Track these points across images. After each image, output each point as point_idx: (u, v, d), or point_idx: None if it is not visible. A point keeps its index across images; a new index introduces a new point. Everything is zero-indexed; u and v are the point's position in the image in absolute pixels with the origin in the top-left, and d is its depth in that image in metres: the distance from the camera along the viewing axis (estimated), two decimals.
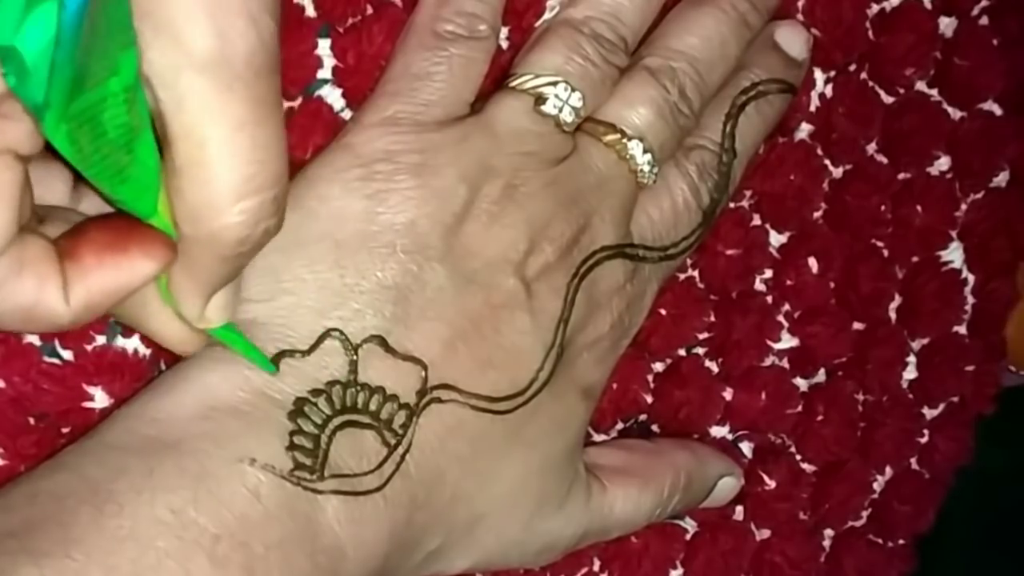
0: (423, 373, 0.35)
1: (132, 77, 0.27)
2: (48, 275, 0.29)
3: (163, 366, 0.37)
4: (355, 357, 0.34)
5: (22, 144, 0.27)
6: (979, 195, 0.49)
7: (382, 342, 0.35)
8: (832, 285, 0.47)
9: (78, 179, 0.33)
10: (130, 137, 0.27)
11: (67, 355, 0.37)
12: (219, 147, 0.28)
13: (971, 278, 0.50)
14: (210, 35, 0.26)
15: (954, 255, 0.49)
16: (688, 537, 0.47)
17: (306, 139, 0.38)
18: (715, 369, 0.46)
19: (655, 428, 0.46)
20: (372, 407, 0.34)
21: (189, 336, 0.33)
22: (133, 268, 0.29)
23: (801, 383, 0.48)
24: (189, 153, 0.28)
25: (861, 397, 0.49)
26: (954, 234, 0.49)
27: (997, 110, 0.48)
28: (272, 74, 0.28)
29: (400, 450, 0.34)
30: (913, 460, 0.51)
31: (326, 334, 0.34)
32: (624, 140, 0.39)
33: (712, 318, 0.46)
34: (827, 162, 0.46)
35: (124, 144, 0.27)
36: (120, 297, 0.30)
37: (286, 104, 0.38)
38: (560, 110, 0.38)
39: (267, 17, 0.28)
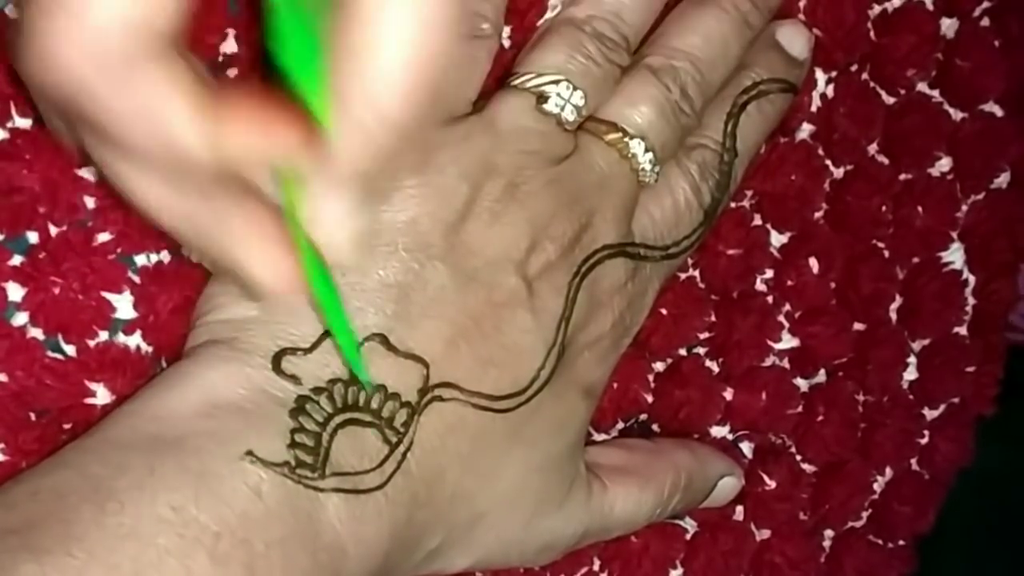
0: (424, 371, 0.35)
1: None
2: (195, 98, 0.26)
3: (164, 363, 0.37)
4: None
5: None
6: (980, 196, 0.49)
7: (384, 340, 0.35)
8: (833, 285, 0.47)
9: None
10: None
11: (70, 351, 0.37)
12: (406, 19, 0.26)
13: (972, 279, 0.50)
14: None
15: (955, 256, 0.49)
16: (688, 537, 0.47)
17: None
18: (715, 369, 0.46)
19: (655, 428, 0.46)
20: (374, 405, 0.34)
21: (285, 271, 0.30)
22: (279, 130, 0.27)
23: (801, 383, 0.48)
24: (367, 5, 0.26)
25: (861, 398, 0.49)
26: (955, 235, 0.49)
27: (998, 111, 0.48)
28: None
29: (401, 448, 0.34)
30: (913, 461, 0.51)
31: (328, 332, 0.34)
32: (626, 139, 0.39)
33: (713, 318, 0.46)
34: (828, 162, 0.46)
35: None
36: (255, 156, 0.27)
37: None
38: (562, 109, 0.38)
39: None
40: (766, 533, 0.48)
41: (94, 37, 0.25)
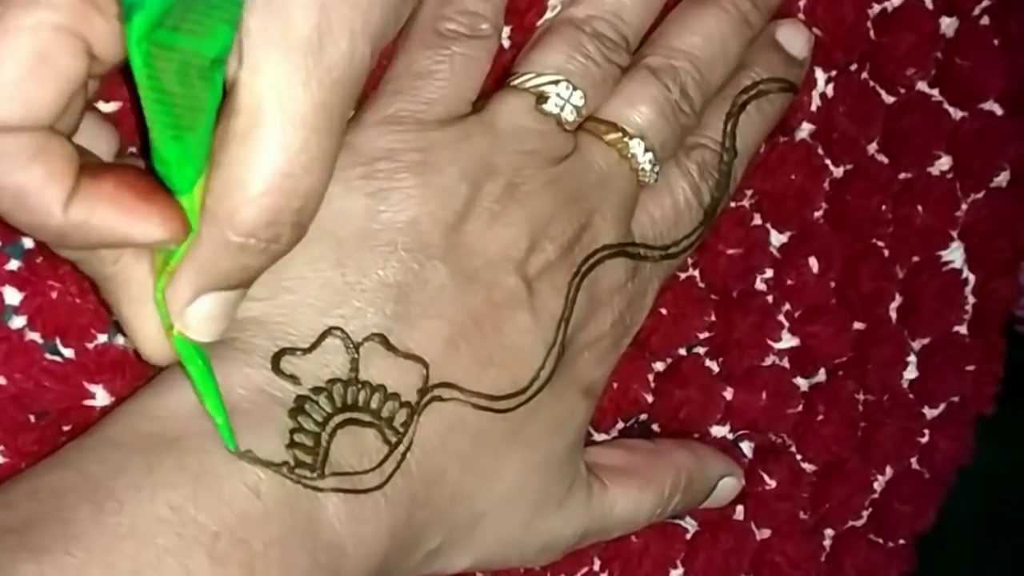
0: (424, 371, 0.35)
1: (223, 51, 0.28)
2: (59, 176, 0.28)
3: None
4: (356, 355, 0.34)
5: (100, 43, 0.27)
6: (980, 195, 0.49)
7: (383, 340, 0.35)
8: (832, 285, 0.47)
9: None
10: (199, 104, 0.28)
11: (68, 353, 0.37)
12: (273, 133, 0.28)
13: (972, 278, 0.50)
14: (313, 25, 0.28)
15: (955, 255, 0.49)
16: (688, 537, 0.47)
17: None
18: (716, 369, 0.46)
19: (656, 428, 0.46)
20: (373, 405, 0.34)
21: (158, 341, 0.32)
22: (143, 222, 0.29)
23: (801, 383, 0.48)
24: (244, 127, 0.28)
25: (861, 397, 0.49)
26: (955, 234, 0.49)
27: (998, 110, 0.48)
28: (347, 94, 0.29)
29: (401, 448, 0.34)
30: (913, 460, 0.51)
31: (327, 332, 0.34)
32: (625, 139, 0.39)
33: (713, 317, 0.46)
34: (828, 162, 0.46)
35: (190, 106, 0.28)
36: (111, 241, 0.29)
37: None
38: (562, 109, 0.38)
39: (365, 42, 0.29)
40: (766, 532, 0.48)
41: None
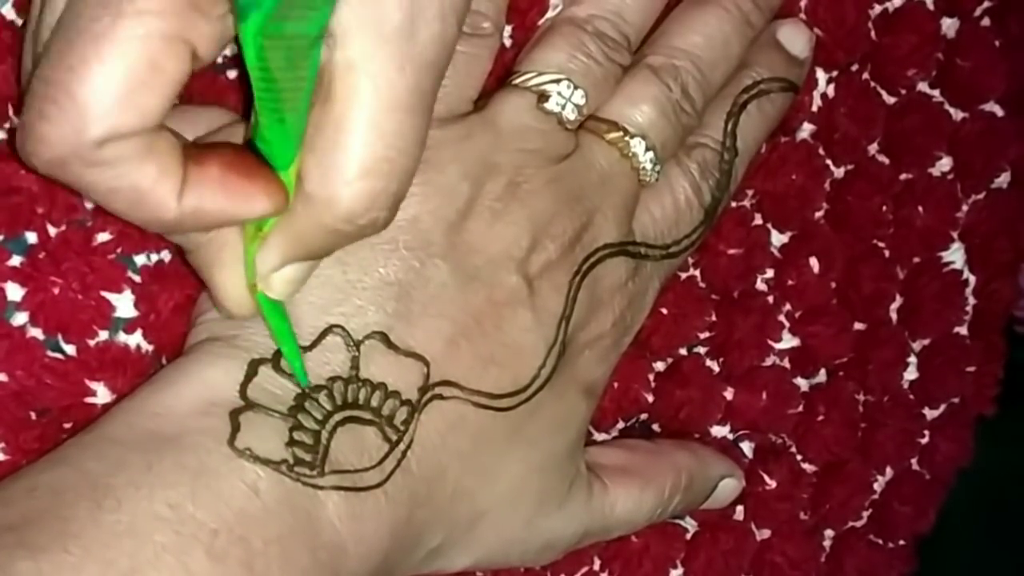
0: (425, 370, 0.35)
1: (323, 28, 0.28)
2: (170, 170, 0.29)
3: (165, 362, 0.37)
4: (357, 353, 0.34)
5: (203, 45, 0.27)
6: (980, 196, 0.49)
7: (384, 338, 0.35)
8: (833, 285, 0.47)
9: None
10: (300, 84, 0.29)
11: (70, 350, 0.37)
12: (370, 118, 0.29)
13: (972, 279, 0.50)
14: (405, 10, 0.28)
15: (955, 256, 0.49)
16: (688, 537, 0.47)
17: None
18: (716, 369, 0.46)
19: (656, 427, 0.46)
20: (374, 403, 0.34)
21: (242, 298, 0.33)
22: (248, 199, 0.30)
23: (802, 383, 0.48)
24: (339, 114, 0.29)
25: (862, 397, 0.49)
26: (955, 235, 0.49)
27: (999, 111, 0.48)
28: (438, 74, 0.30)
29: (401, 446, 0.34)
30: (914, 461, 0.51)
31: (328, 330, 0.34)
32: (626, 138, 0.39)
33: (713, 317, 0.46)
34: (829, 162, 0.46)
35: (293, 87, 0.28)
36: (223, 221, 0.30)
37: None
38: (563, 108, 0.38)
39: (454, 20, 0.29)
40: (766, 533, 0.48)
41: (88, 143, 0.27)
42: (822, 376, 0.48)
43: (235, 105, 0.37)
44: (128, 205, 0.29)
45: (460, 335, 0.36)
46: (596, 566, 0.45)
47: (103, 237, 0.37)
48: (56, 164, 0.27)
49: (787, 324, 0.47)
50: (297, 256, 0.32)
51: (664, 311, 0.44)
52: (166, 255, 0.37)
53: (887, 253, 0.48)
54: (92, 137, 0.27)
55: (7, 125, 0.36)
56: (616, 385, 0.44)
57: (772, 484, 0.48)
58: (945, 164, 0.48)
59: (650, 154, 0.39)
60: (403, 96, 0.29)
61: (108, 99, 0.27)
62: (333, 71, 0.29)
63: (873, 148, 0.47)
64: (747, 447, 0.48)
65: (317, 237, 0.31)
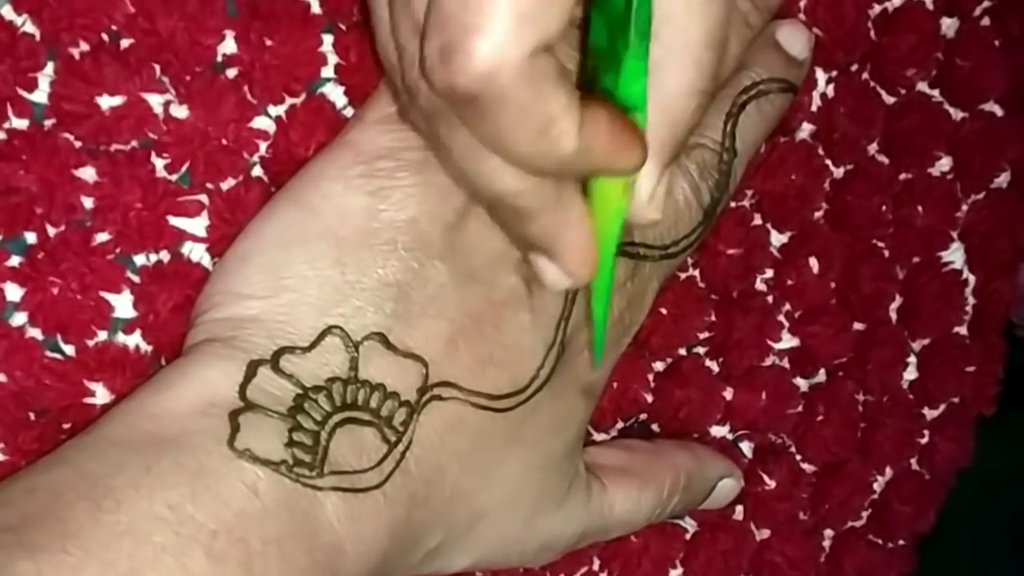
0: (424, 371, 0.35)
1: None
2: (575, 100, 0.29)
3: (164, 363, 0.37)
4: (356, 354, 0.34)
5: None
6: (980, 196, 0.49)
7: (383, 339, 0.35)
8: (833, 285, 0.47)
9: None
10: (646, 25, 0.30)
11: (69, 350, 0.37)
12: (701, 45, 0.32)
13: (972, 279, 0.50)
14: None
15: (955, 256, 0.49)
16: (688, 537, 0.47)
17: (308, 136, 0.38)
18: (715, 369, 0.46)
19: (655, 427, 0.46)
20: (373, 404, 0.34)
21: (590, 259, 0.33)
22: (629, 153, 0.31)
23: (801, 383, 0.48)
24: (682, 45, 0.31)
25: (861, 397, 0.49)
26: (955, 235, 0.49)
27: (998, 111, 0.48)
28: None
29: (400, 447, 0.34)
30: (913, 461, 0.51)
31: (327, 331, 0.34)
32: None
33: (713, 317, 0.46)
34: (828, 162, 0.46)
35: (646, 31, 0.30)
36: (599, 170, 0.31)
37: (289, 101, 0.38)
38: None
39: None
40: (766, 533, 0.48)
41: (519, 54, 0.27)
42: (822, 376, 0.48)
43: (234, 105, 0.37)
44: (534, 133, 0.28)
45: (459, 336, 0.36)
46: (595, 566, 0.46)
47: (102, 237, 0.37)
48: (485, 79, 0.27)
49: (787, 324, 0.47)
50: (668, 155, 0.33)
51: (663, 311, 0.44)
52: (165, 256, 0.37)
53: (887, 253, 0.48)
54: (528, 45, 0.27)
55: (5, 125, 0.36)
56: (615, 385, 0.44)
57: (772, 484, 0.48)
58: (945, 164, 0.48)
59: None
60: (716, 30, 0.32)
61: (537, 2, 0.26)
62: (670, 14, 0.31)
63: (873, 148, 0.47)
64: (746, 447, 0.48)
65: (680, 126, 0.33)
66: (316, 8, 0.38)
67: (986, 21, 0.47)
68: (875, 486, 0.50)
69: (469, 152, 0.30)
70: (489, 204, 0.33)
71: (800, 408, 0.48)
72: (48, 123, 0.36)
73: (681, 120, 0.33)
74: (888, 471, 0.50)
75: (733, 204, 0.45)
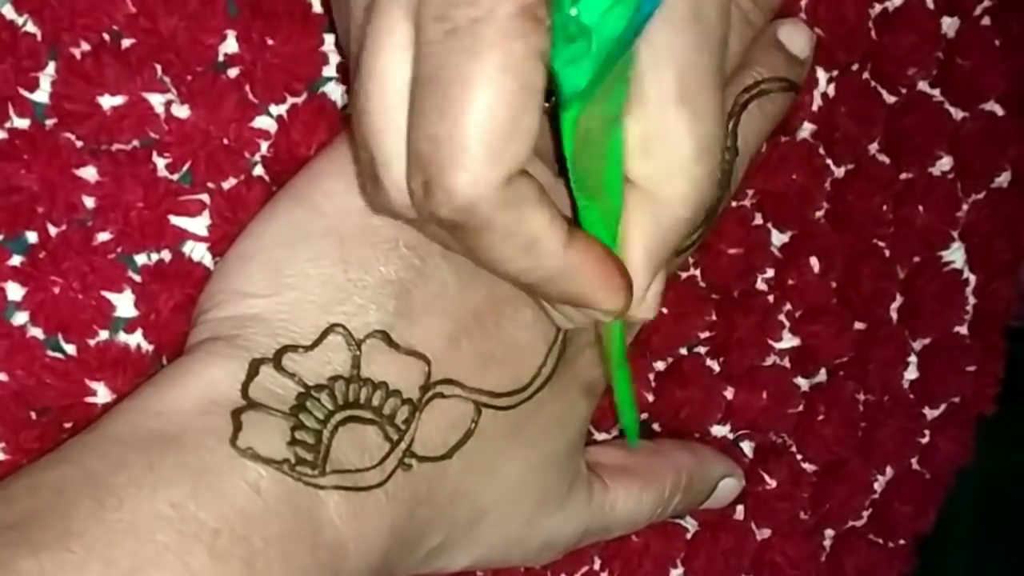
0: (426, 368, 0.35)
1: (621, 108, 0.31)
2: (558, 217, 0.30)
3: (165, 362, 0.37)
4: (358, 352, 0.34)
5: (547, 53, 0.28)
6: (980, 195, 0.49)
7: (385, 337, 0.35)
8: (833, 285, 0.47)
9: None
10: (602, 164, 0.31)
11: (70, 350, 0.37)
12: (692, 161, 0.32)
13: (972, 278, 0.50)
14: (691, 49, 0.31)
15: (955, 255, 0.49)
16: (689, 536, 0.47)
17: (310, 136, 0.38)
18: (716, 368, 0.46)
19: (656, 427, 0.46)
20: (375, 402, 0.34)
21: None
22: (615, 292, 0.32)
23: (802, 383, 0.48)
24: (658, 115, 0.31)
25: (862, 397, 0.49)
26: (955, 234, 0.49)
27: (999, 110, 0.48)
28: (724, 48, 0.33)
29: (402, 445, 0.34)
30: (914, 460, 0.51)
31: (329, 329, 0.34)
32: None
33: (714, 317, 0.46)
34: (829, 161, 0.46)
35: (596, 167, 0.31)
36: (580, 298, 0.32)
37: (290, 100, 0.38)
38: None
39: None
40: (767, 532, 0.48)
41: (494, 184, 0.28)
42: (822, 376, 0.48)
43: (235, 104, 0.37)
44: (519, 251, 0.30)
45: (461, 333, 0.36)
46: (596, 565, 0.45)
47: (103, 237, 0.37)
48: (465, 210, 0.28)
49: (787, 324, 0.47)
50: (660, 262, 0.33)
51: (664, 311, 0.44)
52: (166, 255, 0.37)
53: (887, 252, 0.48)
54: (500, 176, 0.28)
55: (7, 125, 0.36)
56: None
57: (772, 484, 0.48)
58: (945, 163, 0.48)
59: None
60: (707, 76, 0.31)
61: (502, 134, 0.27)
62: (651, 94, 0.31)
63: (873, 147, 0.47)
64: (747, 447, 0.48)
65: (672, 236, 0.33)
66: (317, 7, 0.38)
67: (986, 21, 0.47)
68: (875, 486, 0.50)
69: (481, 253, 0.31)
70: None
71: (801, 408, 0.48)
72: (49, 122, 0.36)
73: (673, 231, 0.33)
74: (888, 471, 0.50)
75: (734, 203, 0.45)
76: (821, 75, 0.46)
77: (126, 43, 0.36)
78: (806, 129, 0.46)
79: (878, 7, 0.46)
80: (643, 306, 0.34)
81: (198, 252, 0.38)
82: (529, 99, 0.28)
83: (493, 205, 0.28)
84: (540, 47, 0.27)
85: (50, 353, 0.36)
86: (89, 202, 0.36)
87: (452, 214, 0.28)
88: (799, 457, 0.48)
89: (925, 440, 0.51)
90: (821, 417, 0.48)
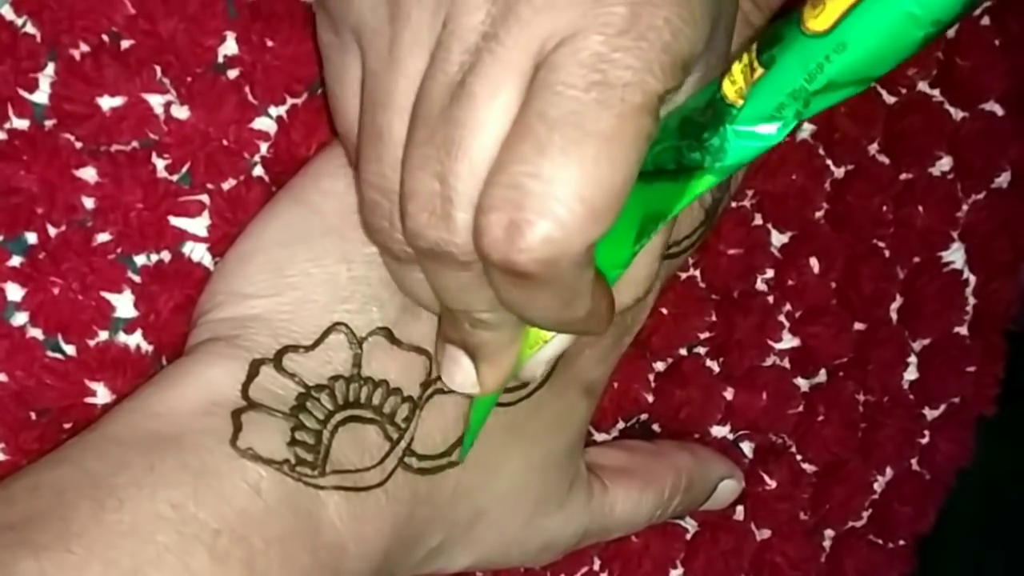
0: (427, 363, 0.35)
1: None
2: (596, 277, 0.30)
3: (165, 362, 0.37)
4: (359, 351, 0.34)
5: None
6: (980, 196, 0.49)
7: (388, 334, 0.35)
8: (833, 285, 0.47)
9: None
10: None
11: (70, 350, 0.37)
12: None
13: (972, 279, 0.50)
14: None
15: (955, 256, 0.49)
16: (688, 537, 0.47)
17: (310, 137, 0.38)
18: (716, 369, 0.46)
19: (656, 428, 0.46)
20: (375, 401, 0.34)
21: (505, 376, 0.34)
22: (605, 323, 0.32)
23: (802, 383, 0.48)
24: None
25: (862, 397, 0.49)
26: (955, 235, 0.49)
27: (999, 110, 0.48)
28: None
29: (402, 444, 0.34)
30: (914, 461, 0.51)
31: (332, 328, 0.34)
32: None
33: (713, 318, 0.46)
34: (829, 162, 0.46)
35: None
36: (577, 328, 0.31)
37: (290, 101, 0.38)
38: None
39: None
40: (766, 533, 0.48)
41: (584, 246, 0.27)
42: (822, 376, 0.48)
43: (235, 105, 0.37)
44: (561, 304, 0.29)
45: None
46: (596, 566, 0.45)
47: (103, 237, 0.37)
48: (547, 262, 0.27)
49: (787, 324, 0.47)
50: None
51: (664, 311, 0.44)
52: (166, 255, 0.37)
53: (887, 253, 0.48)
54: (593, 238, 0.27)
55: (6, 125, 0.36)
56: (616, 385, 0.44)
57: (772, 484, 0.48)
58: (945, 164, 0.48)
59: None
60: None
61: (613, 199, 0.27)
62: None
63: (873, 148, 0.47)
64: (747, 447, 0.48)
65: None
66: None
67: (986, 21, 0.47)
68: (875, 486, 0.50)
69: (449, 286, 0.30)
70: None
71: (801, 408, 0.48)
72: (49, 123, 0.36)
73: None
74: (888, 471, 0.50)
75: (734, 204, 0.45)
76: None
77: (125, 44, 0.36)
78: (806, 129, 0.46)
79: None
80: (538, 365, 0.34)
81: (198, 253, 0.38)
82: (633, 177, 0.27)
83: (573, 265, 0.27)
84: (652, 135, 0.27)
85: (50, 354, 0.36)
86: (89, 203, 0.36)
87: (530, 263, 0.27)
88: (799, 458, 0.48)
89: (925, 440, 0.51)
90: (821, 417, 0.48)
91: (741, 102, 0.28)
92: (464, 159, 0.27)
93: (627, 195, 0.27)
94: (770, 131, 0.28)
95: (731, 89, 0.28)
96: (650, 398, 0.45)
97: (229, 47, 0.37)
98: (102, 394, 0.37)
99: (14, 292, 0.36)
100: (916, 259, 0.49)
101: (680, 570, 0.47)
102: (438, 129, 0.28)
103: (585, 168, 0.26)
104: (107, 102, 0.36)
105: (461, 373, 0.33)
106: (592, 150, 0.26)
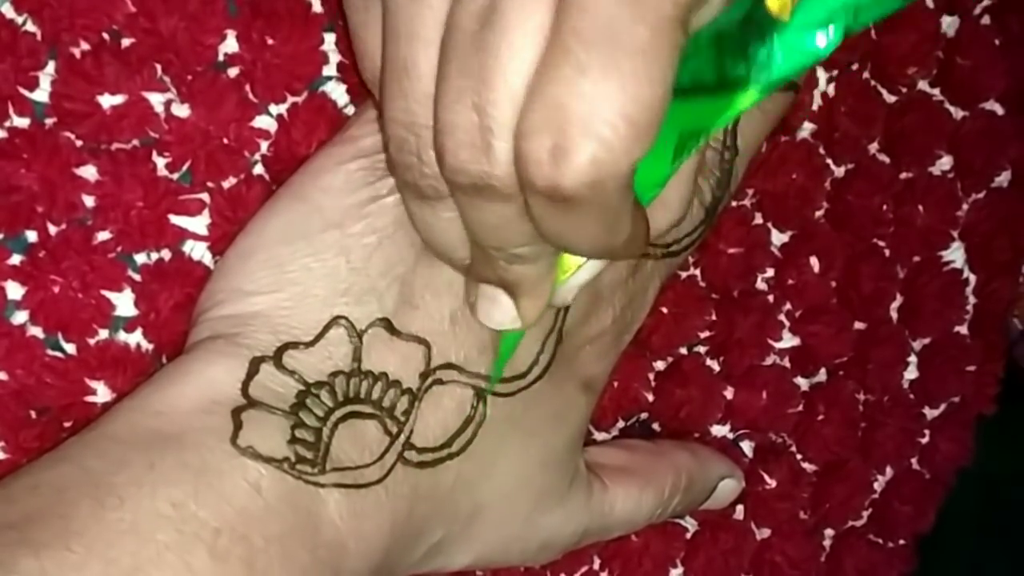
0: (427, 353, 0.35)
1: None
2: (635, 200, 0.30)
3: (165, 361, 0.37)
4: (359, 344, 0.34)
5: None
6: (981, 195, 0.49)
7: (388, 325, 0.35)
8: (833, 284, 0.47)
9: None
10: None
11: (70, 349, 0.37)
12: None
13: (972, 278, 0.50)
14: None
15: (955, 255, 0.49)
16: (688, 536, 0.47)
17: (310, 135, 0.38)
18: (716, 368, 0.46)
19: (656, 427, 0.46)
20: (375, 395, 0.34)
21: (544, 306, 0.34)
22: (643, 245, 0.31)
23: (802, 382, 0.48)
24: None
25: (862, 397, 0.49)
26: (955, 234, 0.49)
27: (999, 110, 0.48)
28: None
29: (401, 438, 0.34)
30: (914, 460, 0.51)
31: (332, 322, 0.34)
32: None
33: (713, 317, 0.46)
34: (829, 161, 0.46)
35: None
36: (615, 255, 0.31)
37: (291, 99, 0.38)
38: None
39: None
40: (766, 532, 0.48)
41: (630, 166, 0.26)
42: (822, 375, 0.48)
43: (235, 104, 0.37)
44: (605, 228, 0.28)
45: (459, 312, 0.35)
46: (596, 565, 0.45)
47: (103, 236, 0.37)
48: (593, 185, 0.26)
49: (787, 323, 0.47)
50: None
51: (664, 310, 0.44)
52: (166, 254, 0.37)
53: (887, 252, 0.48)
54: (638, 156, 0.26)
55: (7, 124, 0.36)
56: (616, 384, 0.44)
57: (772, 484, 0.48)
58: (945, 163, 0.48)
59: None
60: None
61: (656, 116, 0.26)
62: None
63: (873, 147, 0.47)
64: (747, 446, 0.48)
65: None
66: (317, 7, 0.38)
67: (986, 20, 0.47)
68: (875, 486, 0.50)
69: (488, 222, 0.30)
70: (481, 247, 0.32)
71: (801, 407, 0.48)
72: (49, 122, 0.36)
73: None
74: (888, 471, 0.50)
75: (734, 203, 0.45)
76: (821, 75, 0.45)
77: (126, 42, 0.36)
78: (806, 129, 0.46)
79: None
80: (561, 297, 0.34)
81: (198, 251, 0.38)
82: (670, 92, 0.26)
83: (619, 186, 0.27)
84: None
85: (50, 352, 0.36)
86: (89, 201, 0.36)
87: (578, 186, 0.26)
88: (799, 457, 0.48)
89: (925, 440, 0.51)
90: (821, 417, 0.48)
91: (787, 16, 0.28)
92: (501, 86, 0.27)
93: (666, 111, 0.26)
94: (819, 45, 0.28)
95: (775, 2, 0.28)
96: (650, 397, 0.45)
97: (229, 45, 0.37)
98: (102, 393, 0.37)
99: (14, 290, 0.36)
100: (916, 258, 0.49)
101: (680, 569, 0.47)
102: (471, 58, 0.27)
103: (626, 85, 0.25)
104: (107, 100, 0.36)
105: (500, 310, 0.33)
106: (630, 65, 0.25)
